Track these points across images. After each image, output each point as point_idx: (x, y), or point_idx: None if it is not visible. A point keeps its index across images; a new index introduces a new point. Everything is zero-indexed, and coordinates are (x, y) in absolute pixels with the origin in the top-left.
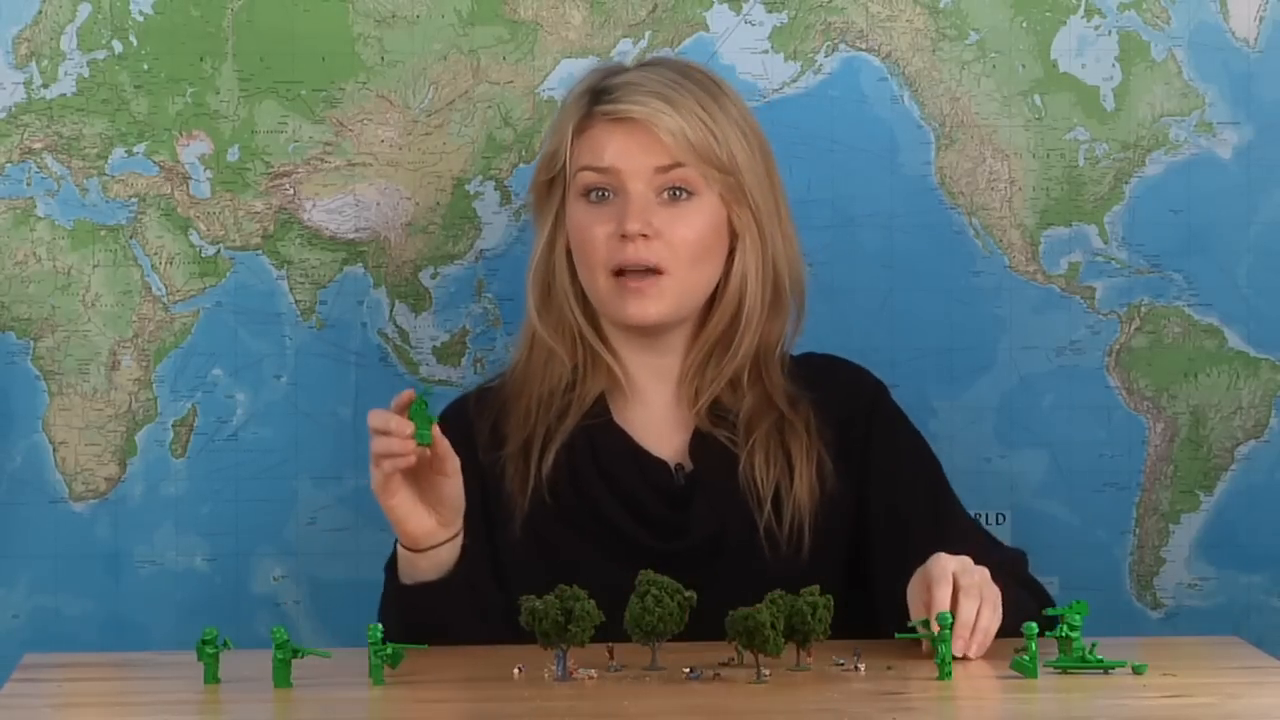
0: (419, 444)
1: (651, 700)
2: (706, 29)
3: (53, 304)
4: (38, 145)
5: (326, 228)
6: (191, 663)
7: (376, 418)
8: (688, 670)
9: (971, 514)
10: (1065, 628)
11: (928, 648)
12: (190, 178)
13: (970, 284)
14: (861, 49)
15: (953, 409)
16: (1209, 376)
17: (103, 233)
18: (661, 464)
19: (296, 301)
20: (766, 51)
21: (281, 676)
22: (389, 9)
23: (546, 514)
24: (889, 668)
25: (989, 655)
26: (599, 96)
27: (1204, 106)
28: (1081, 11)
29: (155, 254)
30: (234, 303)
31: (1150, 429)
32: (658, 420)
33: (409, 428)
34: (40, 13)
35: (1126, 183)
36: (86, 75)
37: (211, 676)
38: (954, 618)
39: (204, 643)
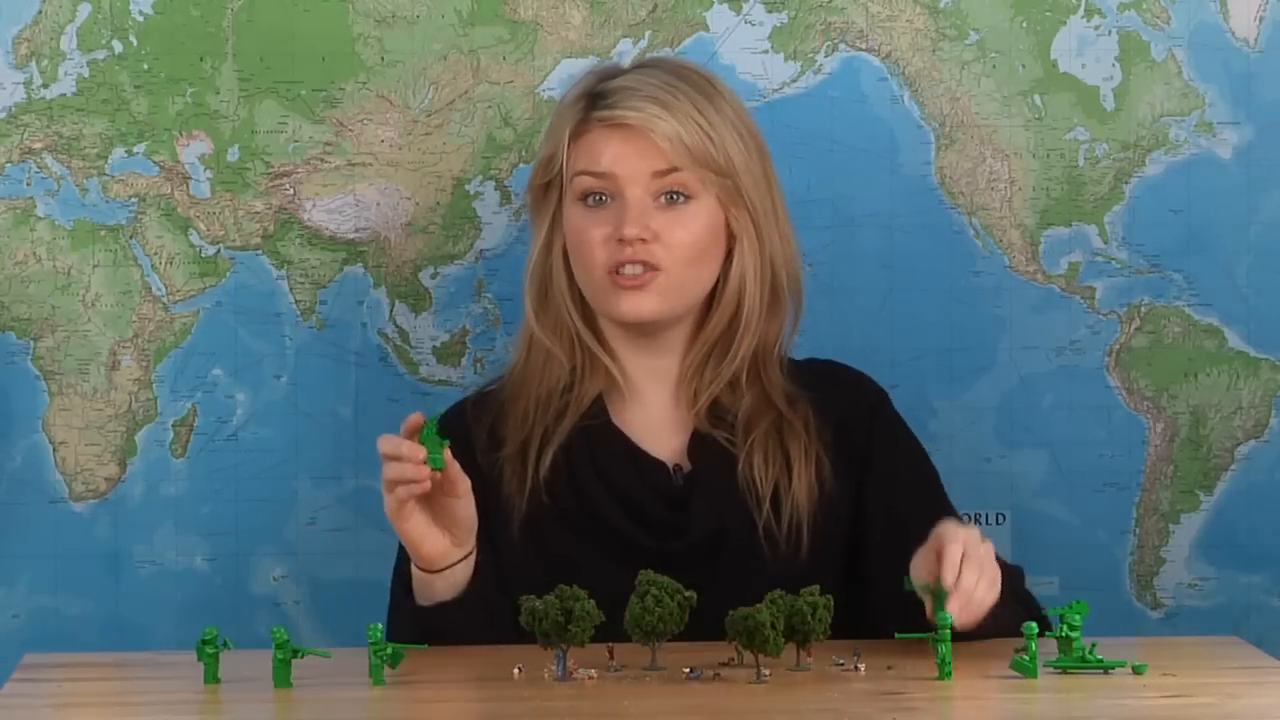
0: (432, 469)
1: (651, 700)
2: (706, 29)
3: (53, 304)
4: (38, 145)
5: (326, 228)
6: (191, 663)
7: (387, 444)
8: (688, 670)
9: (972, 514)
10: (1065, 628)
11: (930, 610)
12: (190, 178)
13: (970, 284)
14: (861, 49)
15: (953, 409)
16: (1209, 376)
17: (103, 233)
18: (660, 465)
19: (296, 301)
20: (766, 51)
21: (281, 676)
22: (389, 9)
23: (545, 515)
24: (889, 668)
25: (989, 655)
26: (595, 101)
27: (1204, 106)
28: (1081, 11)
29: (155, 254)
30: (234, 303)
31: (1150, 429)
32: (656, 421)
33: (421, 453)
34: (40, 13)
35: (1126, 183)
36: (86, 75)
37: (211, 676)
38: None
39: (204, 643)
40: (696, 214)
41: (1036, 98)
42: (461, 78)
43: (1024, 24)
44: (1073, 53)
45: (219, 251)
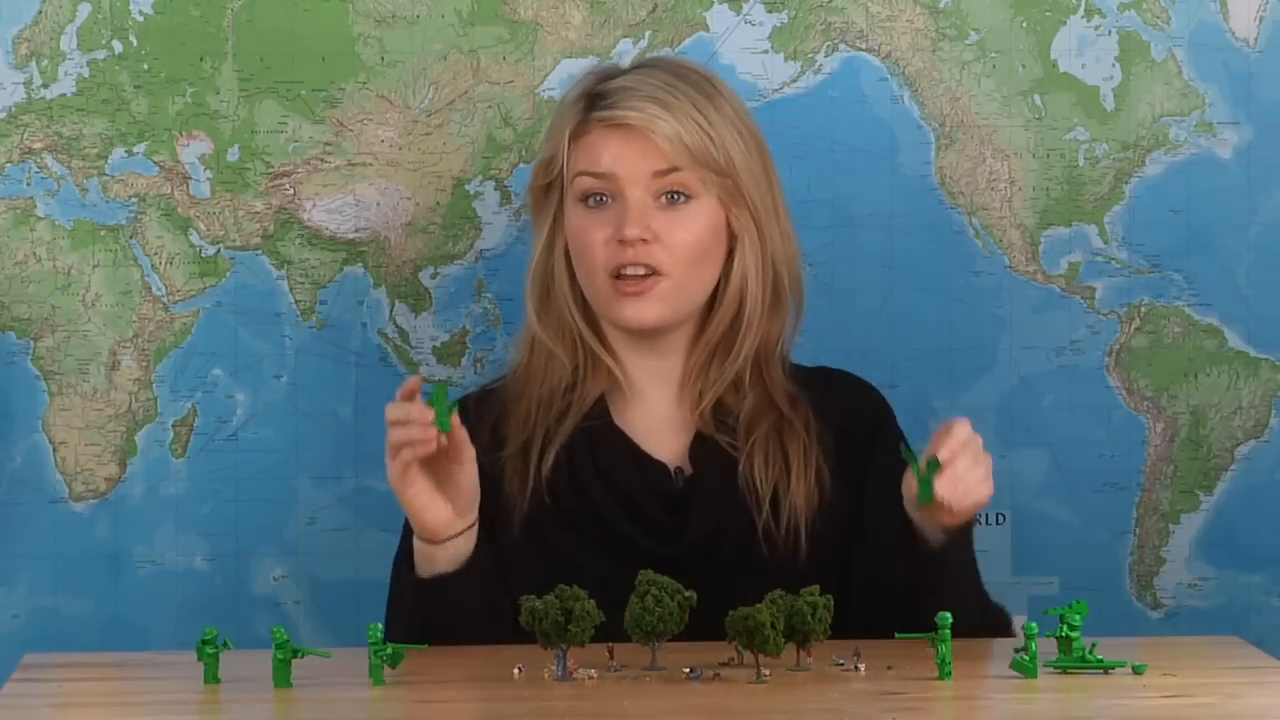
0: (440, 430)
1: (651, 700)
2: (706, 29)
3: (53, 304)
4: (38, 145)
5: (326, 228)
6: (191, 663)
7: (395, 410)
8: (688, 670)
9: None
10: (1065, 628)
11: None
12: (190, 178)
13: (970, 284)
14: (861, 49)
15: (953, 409)
16: (1209, 376)
17: (103, 233)
18: (661, 466)
19: (296, 301)
20: (766, 51)
21: (281, 676)
22: (389, 9)
23: (546, 515)
24: (889, 668)
25: (989, 655)
26: (595, 102)
27: (1204, 106)
28: (1081, 11)
29: (155, 254)
30: (234, 303)
31: (1150, 429)
32: (658, 422)
33: (430, 414)
34: (40, 13)
35: (1126, 183)
36: (86, 75)
37: (211, 676)
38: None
39: (204, 643)
40: (697, 214)
41: (1036, 98)
42: (461, 78)
43: (1024, 24)
44: (1073, 53)
45: (219, 251)
